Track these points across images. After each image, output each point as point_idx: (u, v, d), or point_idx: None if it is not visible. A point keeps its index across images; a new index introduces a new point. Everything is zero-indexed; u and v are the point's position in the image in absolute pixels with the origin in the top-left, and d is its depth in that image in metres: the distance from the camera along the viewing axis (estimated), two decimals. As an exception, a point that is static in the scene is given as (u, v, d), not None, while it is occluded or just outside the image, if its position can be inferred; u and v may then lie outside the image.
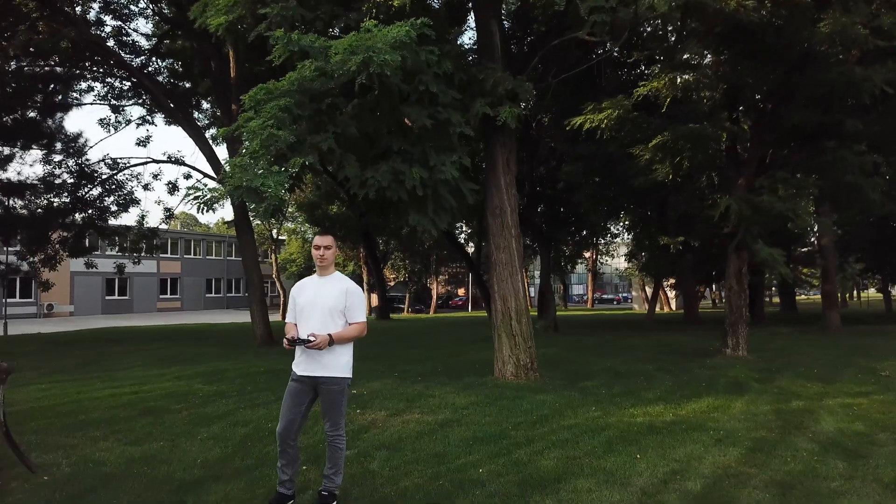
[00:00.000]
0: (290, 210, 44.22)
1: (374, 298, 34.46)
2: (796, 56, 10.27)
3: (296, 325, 4.18)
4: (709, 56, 12.02)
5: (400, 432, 6.18)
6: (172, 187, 18.16)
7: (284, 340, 4.03)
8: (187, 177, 15.41)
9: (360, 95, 7.63)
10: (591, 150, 15.47)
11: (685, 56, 11.52)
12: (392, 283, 50.66)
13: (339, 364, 4.10)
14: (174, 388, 9.04)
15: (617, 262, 66.72)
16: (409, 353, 13.60)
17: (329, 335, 3.99)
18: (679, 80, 12.45)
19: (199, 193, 5.93)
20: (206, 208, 5.88)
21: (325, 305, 4.07)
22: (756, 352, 12.07)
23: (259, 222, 44.59)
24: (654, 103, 13.75)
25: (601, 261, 49.97)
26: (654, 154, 13.19)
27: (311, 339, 3.94)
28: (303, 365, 4.11)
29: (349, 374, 4.17)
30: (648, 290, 48.01)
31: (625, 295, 78.71)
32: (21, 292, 38.22)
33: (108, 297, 43.60)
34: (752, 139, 11.76)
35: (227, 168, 6.26)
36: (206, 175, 16.74)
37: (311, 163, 6.57)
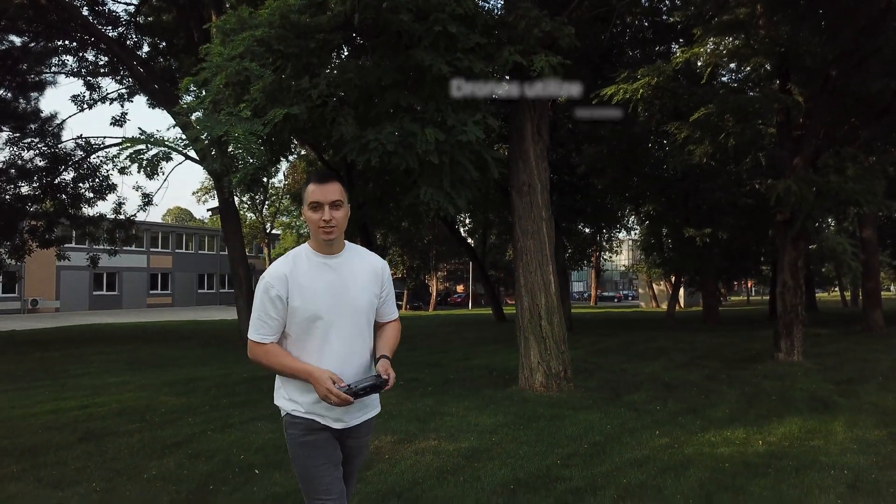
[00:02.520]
0: (284, 203, 42.69)
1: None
2: (876, 11, 8.69)
3: (276, 343, 2.32)
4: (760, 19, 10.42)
5: (414, 469, 4.62)
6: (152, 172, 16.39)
7: (335, 395, 2.13)
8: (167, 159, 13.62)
9: (360, 37, 6.05)
10: (615, 130, 13.91)
11: (734, 15, 9.92)
12: (390, 280, 48.91)
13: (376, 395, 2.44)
14: (133, 401, 7.46)
15: (619, 258, 65.31)
16: (413, 356, 12.02)
17: (387, 358, 2.35)
18: (725, 44, 10.93)
19: (137, 148, 4.35)
20: (149, 170, 4.32)
21: (361, 305, 2.33)
22: (811, 357, 10.52)
23: (251, 215, 43.00)
24: (692, 73, 12.23)
25: (605, 257, 48.47)
26: (692, 131, 11.66)
27: (386, 377, 2.23)
28: (343, 411, 2.30)
29: None
30: (656, 288, 46.57)
31: (625, 292, 77.32)
32: (4, 287, 36.44)
33: (95, 293, 41.86)
34: (812, 112, 10.19)
35: (180, 109, 4.66)
36: (187, 157, 15.06)
37: (298, 114, 4.96)
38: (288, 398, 2.34)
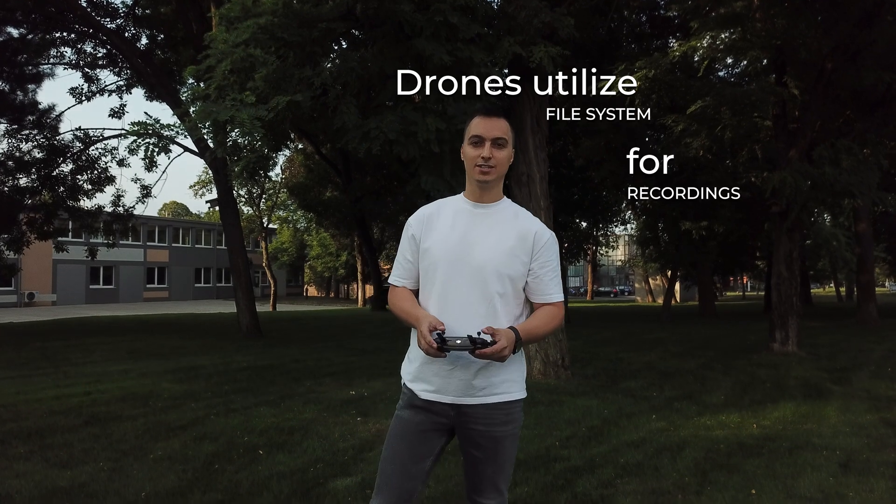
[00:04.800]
0: (281, 197, 42.66)
1: (370, 289, 32.97)
2: (870, 5, 8.78)
3: (412, 292, 2.07)
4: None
5: (415, 451, 4.70)
6: (150, 163, 16.31)
7: (424, 338, 1.82)
8: (166, 151, 13.57)
9: (362, 28, 6.12)
10: (612, 123, 13.98)
11: (731, 9, 10.00)
12: (387, 274, 49.11)
13: (517, 378, 2.04)
14: (136, 387, 7.53)
15: (615, 254, 65.58)
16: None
17: (514, 330, 1.89)
18: (722, 38, 11.02)
19: (144, 130, 4.41)
20: (156, 153, 4.38)
21: (488, 264, 1.95)
22: (805, 347, 10.65)
23: (248, 209, 42.97)
24: (689, 67, 12.32)
25: (601, 252, 48.67)
26: (689, 124, 11.75)
27: (488, 338, 1.83)
28: (441, 379, 1.97)
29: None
30: (652, 282, 46.77)
31: (622, 288, 77.61)
32: (0, 280, 36.37)
33: (92, 286, 41.85)
34: (807, 105, 10.29)
35: (185, 98, 4.72)
36: (186, 149, 15.10)
37: (301, 101, 5.04)
38: (407, 361, 2.11)
